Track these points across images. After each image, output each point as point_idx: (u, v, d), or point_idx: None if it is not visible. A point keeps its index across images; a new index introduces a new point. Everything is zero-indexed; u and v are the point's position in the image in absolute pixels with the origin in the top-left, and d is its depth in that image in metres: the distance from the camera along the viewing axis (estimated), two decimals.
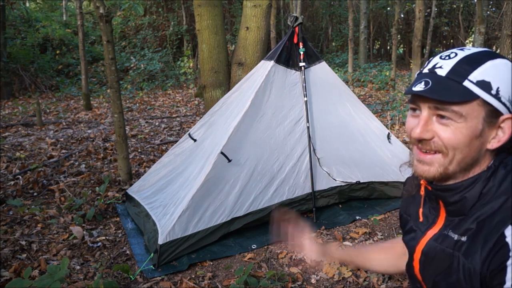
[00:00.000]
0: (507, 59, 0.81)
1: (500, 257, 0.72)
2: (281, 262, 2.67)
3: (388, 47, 19.33)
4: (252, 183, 3.02)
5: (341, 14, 17.45)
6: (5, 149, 5.41)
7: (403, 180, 1.09)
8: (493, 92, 0.76)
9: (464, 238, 0.80)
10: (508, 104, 0.77)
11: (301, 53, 3.26)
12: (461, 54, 0.80)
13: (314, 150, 3.32)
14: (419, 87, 0.78)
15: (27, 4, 14.88)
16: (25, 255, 2.77)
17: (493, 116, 0.77)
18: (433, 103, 0.78)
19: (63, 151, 5.47)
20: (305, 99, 3.27)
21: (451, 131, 0.77)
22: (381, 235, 2.97)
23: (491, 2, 14.49)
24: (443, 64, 0.79)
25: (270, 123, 3.17)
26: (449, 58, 0.80)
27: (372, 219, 3.19)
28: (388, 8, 16.68)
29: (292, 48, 3.28)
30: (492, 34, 13.79)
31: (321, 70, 3.44)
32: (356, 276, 2.46)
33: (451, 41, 17.44)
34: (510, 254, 0.71)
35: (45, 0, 15.49)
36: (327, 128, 3.42)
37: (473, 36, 14.50)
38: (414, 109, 0.83)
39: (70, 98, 10.92)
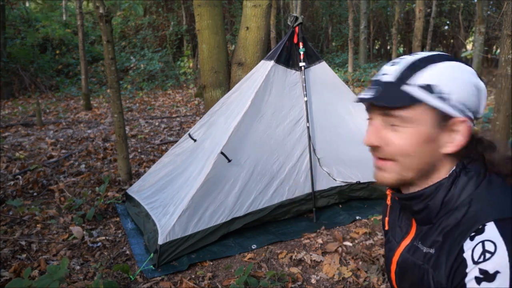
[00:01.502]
0: (459, 61, 0.80)
1: (460, 273, 0.70)
2: (281, 262, 2.67)
3: (388, 47, 19.32)
4: (252, 183, 3.02)
5: (341, 14, 17.43)
6: (5, 149, 5.41)
7: None
8: (438, 95, 0.75)
9: (432, 251, 0.79)
10: (460, 106, 0.76)
11: (301, 53, 3.26)
12: (407, 60, 0.80)
13: (314, 150, 3.32)
14: (366, 95, 0.79)
15: (27, 4, 14.87)
16: (25, 255, 2.76)
17: (443, 119, 0.76)
18: (382, 110, 0.78)
19: (63, 151, 5.47)
20: (305, 99, 3.26)
21: (399, 136, 0.77)
22: (381, 235, 2.97)
23: (491, 2, 14.49)
24: (389, 71, 0.80)
25: (270, 123, 3.16)
26: (395, 64, 0.80)
27: (372, 219, 3.19)
28: (389, 8, 16.68)
29: (292, 48, 3.28)
30: (492, 34, 13.78)
31: (321, 70, 3.44)
32: (356, 276, 2.46)
33: (451, 41, 17.43)
34: (467, 271, 0.69)
35: (45, 0, 15.48)
36: (327, 128, 3.42)
37: (473, 36, 14.50)
38: (369, 118, 0.84)
39: (70, 98, 10.92)
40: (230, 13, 14.21)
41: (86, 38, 11.96)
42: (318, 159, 3.34)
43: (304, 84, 3.26)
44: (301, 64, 3.27)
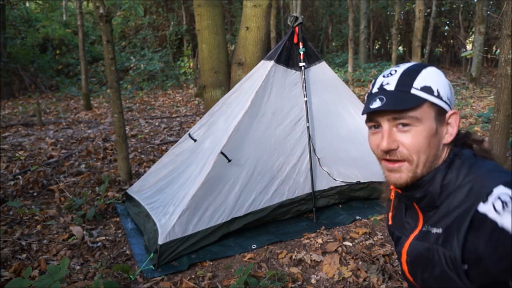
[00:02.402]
0: (434, 66, 0.93)
1: (484, 229, 0.76)
2: (281, 262, 2.67)
3: (388, 47, 19.32)
4: (252, 183, 3.02)
5: (341, 14, 17.43)
6: (5, 149, 5.41)
7: None
8: (435, 93, 0.88)
9: (439, 230, 0.87)
10: (448, 101, 0.90)
11: (301, 53, 3.26)
12: (400, 69, 0.91)
13: (314, 150, 3.32)
14: (376, 104, 0.88)
15: (27, 4, 14.87)
16: (25, 255, 2.76)
17: (441, 114, 0.89)
18: (391, 115, 0.87)
19: (63, 151, 5.47)
20: (305, 99, 3.26)
21: (411, 135, 0.87)
22: (381, 235, 2.97)
23: (491, 2, 14.49)
24: (389, 81, 0.90)
25: (270, 123, 3.16)
26: (392, 75, 0.92)
27: (372, 219, 3.19)
28: (389, 9, 16.67)
29: (292, 48, 3.28)
30: (492, 34, 13.78)
31: (321, 70, 3.44)
32: (356, 276, 2.46)
33: (451, 41, 17.42)
34: (490, 216, 0.76)
35: (45, 0, 15.48)
36: (327, 128, 3.42)
37: (473, 36, 14.50)
38: (373, 127, 0.93)
39: (70, 98, 10.92)
40: (230, 13, 14.21)
41: (86, 38, 11.97)
42: (318, 159, 3.34)
43: (304, 84, 3.26)
44: (301, 64, 3.27)
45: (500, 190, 0.77)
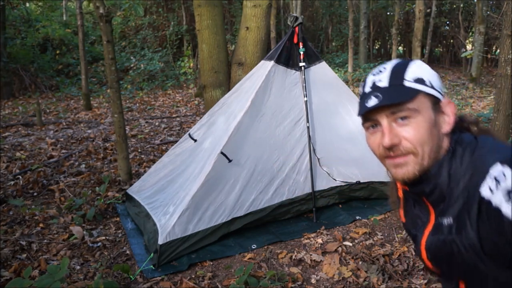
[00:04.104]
0: (418, 60, 0.94)
1: (491, 212, 0.76)
2: (281, 262, 2.67)
3: (388, 47, 19.31)
4: (252, 183, 3.02)
5: (341, 14, 17.42)
6: (5, 149, 5.41)
7: None
8: (428, 84, 0.89)
9: (450, 220, 0.87)
10: (440, 91, 0.91)
11: (301, 53, 3.26)
12: (389, 66, 0.92)
13: (314, 150, 3.32)
14: (373, 102, 0.87)
15: (27, 4, 14.87)
16: (25, 255, 2.77)
17: (436, 103, 0.90)
18: (389, 110, 0.87)
19: (63, 151, 5.47)
20: (305, 99, 3.27)
21: (412, 128, 0.86)
22: (381, 235, 2.97)
23: (491, 2, 14.49)
24: (380, 78, 0.91)
25: (270, 123, 3.17)
26: (381, 72, 0.92)
27: (372, 219, 3.19)
28: (389, 9, 16.67)
29: (292, 48, 3.28)
30: (492, 34, 13.77)
31: (321, 70, 3.44)
32: (356, 276, 2.46)
33: (451, 41, 17.41)
34: (486, 197, 0.76)
35: (45, 0, 15.48)
36: (327, 128, 3.42)
37: (473, 36, 14.50)
38: (371, 126, 0.91)
39: (70, 98, 10.92)
40: (230, 13, 14.20)
41: (86, 38, 11.96)
42: (318, 159, 3.34)
43: (304, 84, 3.26)
44: (301, 64, 3.27)
45: (496, 169, 0.77)
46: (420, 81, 0.88)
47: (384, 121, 0.88)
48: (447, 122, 0.91)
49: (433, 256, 0.94)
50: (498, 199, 0.74)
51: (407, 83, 0.88)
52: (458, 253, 0.85)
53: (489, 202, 0.76)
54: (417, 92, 0.87)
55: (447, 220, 0.87)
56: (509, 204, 0.72)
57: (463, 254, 0.84)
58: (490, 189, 0.76)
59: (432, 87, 0.89)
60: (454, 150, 0.89)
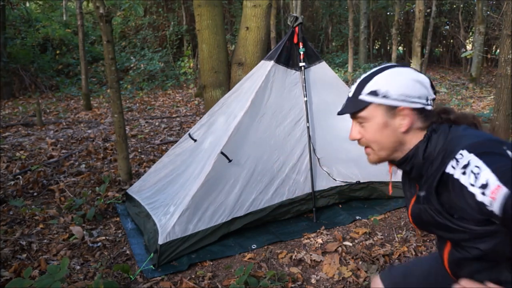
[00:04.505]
0: (399, 66, 1.12)
1: (454, 182, 0.95)
2: (281, 262, 2.67)
3: (388, 47, 19.30)
4: (252, 183, 3.02)
5: (341, 14, 17.41)
6: (5, 149, 5.41)
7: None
8: (381, 95, 1.08)
9: (424, 193, 1.08)
10: (401, 98, 1.07)
11: (301, 53, 3.26)
12: (362, 77, 1.14)
13: (314, 150, 3.32)
14: (340, 108, 1.17)
15: (27, 4, 14.87)
16: (25, 255, 2.77)
17: (391, 110, 1.08)
18: (352, 115, 1.15)
19: (63, 151, 5.47)
20: (305, 99, 3.27)
21: (365, 130, 1.13)
22: (381, 235, 2.97)
23: (491, 2, 14.49)
24: (351, 88, 1.15)
25: (270, 123, 3.17)
26: (355, 83, 1.15)
27: (372, 219, 3.19)
28: (389, 9, 16.66)
29: (292, 48, 3.28)
30: (492, 34, 13.77)
31: (321, 70, 3.44)
32: (356, 276, 2.46)
33: (451, 41, 17.40)
34: (455, 177, 0.94)
35: (45, 0, 15.47)
36: (327, 128, 3.42)
37: (473, 36, 14.49)
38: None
39: (70, 98, 10.92)
40: (230, 13, 14.20)
41: (86, 38, 11.96)
42: (318, 159, 3.34)
43: (304, 84, 3.26)
44: (301, 64, 3.27)
45: (458, 153, 0.95)
46: (373, 93, 1.08)
47: (353, 121, 1.17)
48: (404, 124, 1.08)
49: (416, 220, 1.16)
50: (457, 173, 0.93)
51: (361, 96, 1.10)
52: (431, 217, 1.06)
53: (452, 176, 0.95)
54: (366, 104, 1.09)
55: (422, 193, 1.08)
56: (465, 176, 0.91)
57: (434, 217, 1.05)
58: (453, 167, 0.95)
59: (385, 97, 1.07)
60: (429, 137, 1.07)
